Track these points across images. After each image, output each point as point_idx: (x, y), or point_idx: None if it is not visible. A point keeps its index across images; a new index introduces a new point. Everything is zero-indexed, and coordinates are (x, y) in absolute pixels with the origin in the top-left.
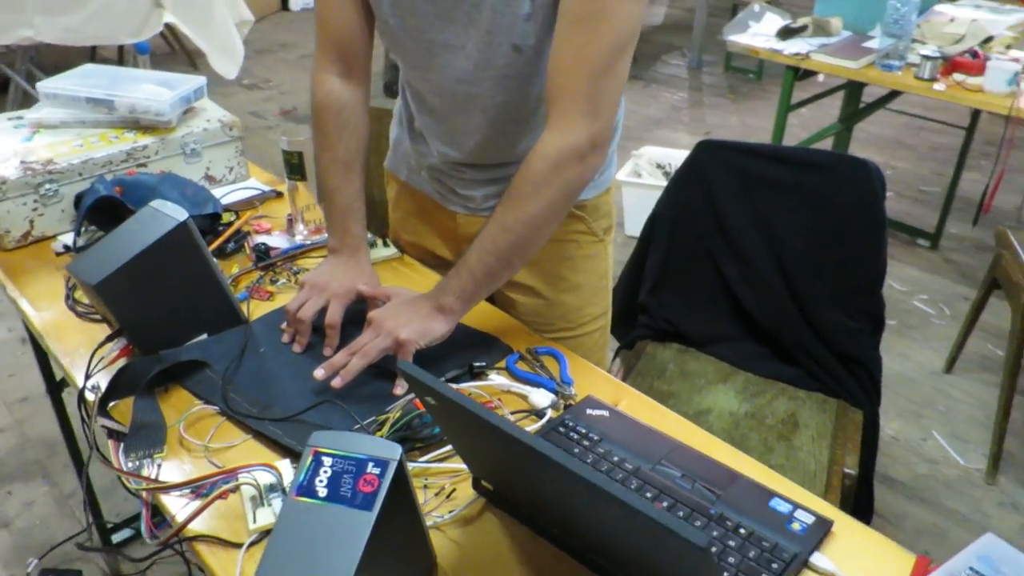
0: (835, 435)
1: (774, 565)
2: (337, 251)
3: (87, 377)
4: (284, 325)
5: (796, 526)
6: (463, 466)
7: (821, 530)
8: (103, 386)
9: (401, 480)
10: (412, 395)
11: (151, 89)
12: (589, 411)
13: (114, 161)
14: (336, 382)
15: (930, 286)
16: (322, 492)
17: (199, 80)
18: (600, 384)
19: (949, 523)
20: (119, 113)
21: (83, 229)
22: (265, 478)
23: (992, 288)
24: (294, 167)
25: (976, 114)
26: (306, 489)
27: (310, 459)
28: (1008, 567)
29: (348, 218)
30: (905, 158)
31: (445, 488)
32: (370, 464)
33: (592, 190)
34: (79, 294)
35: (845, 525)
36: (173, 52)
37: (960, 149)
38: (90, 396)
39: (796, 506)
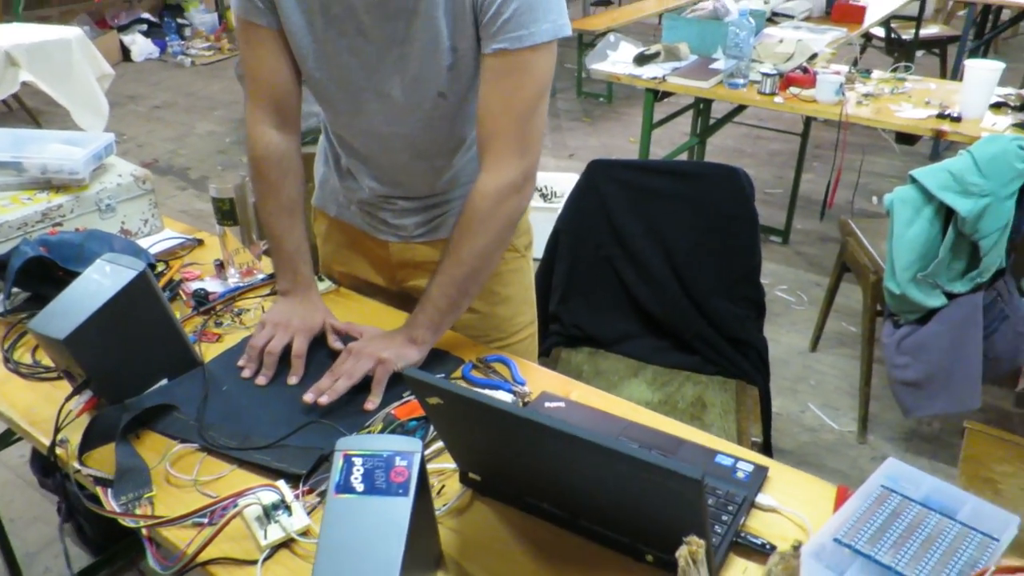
0: (738, 410)
1: (729, 507)
2: (289, 292)
3: (57, 431)
4: (242, 361)
5: (740, 475)
6: (449, 465)
7: (760, 475)
8: (71, 440)
9: (422, 469)
10: (389, 407)
11: (60, 149)
12: (547, 404)
13: (29, 222)
14: (323, 399)
15: (787, 277)
16: (359, 487)
17: (107, 137)
18: (548, 381)
19: (834, 481)
20: (29, 174)
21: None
22: (266, 498)
23: (843, 272)
24: (225, 213)
25: (808, 122)
26: (344, 487)
27: (341, 462)
28: (907, 481)
29: (296, 260)
30: (749, 165)
31: (434, 485)
32: (397, 458)
33: None
34: (19, 354)
35: (778, 470)
36: (11, 111)
37: (798, 154)
38: (60, 450)
39: (736, 459)
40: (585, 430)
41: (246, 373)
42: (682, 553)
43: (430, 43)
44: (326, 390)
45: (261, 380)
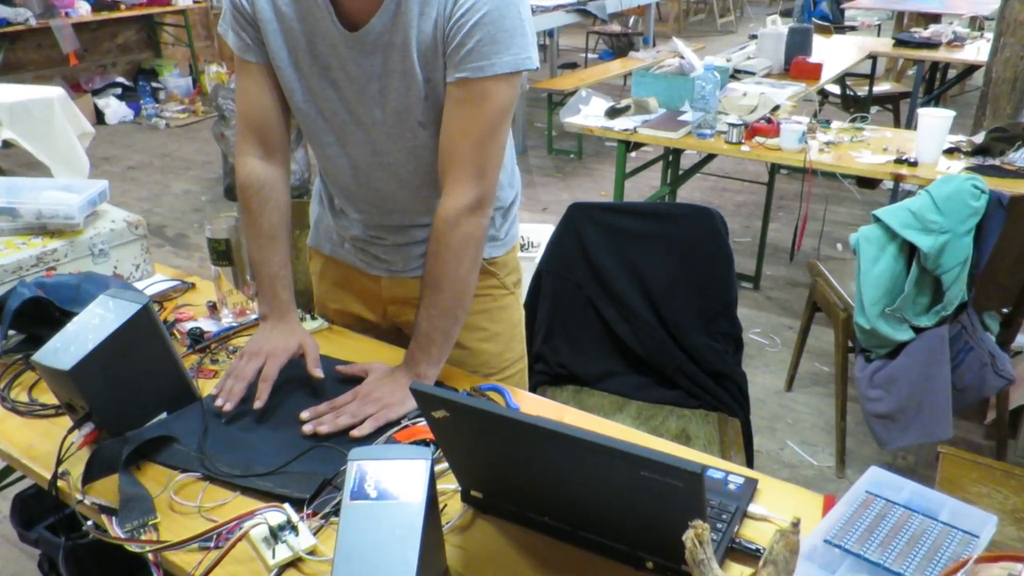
0: (722, 441)
1: (724, 516)
2: (267, 316)
3: (59, 463)
4: (215, 390)
5: (732, 487)
6: (450, 486)
7: (751, 487)
8: (72, 473)
9: (431, 479)
10: (390, 432)
11: (55, 195)
12: None
13: (24, 266)
14: (323, 428)
15: (759, 320)
16: (373, 493)
17: (101, 183)
18: (541, 407)
19: None
20: (24, 220)
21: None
22: (273, 519)
23: (814, 312)
24: (220, 254)
25: (773, 172)
26: (358, 493)
27: (355, 470)
28: (889, 487)
29: (275, 285)
30: None
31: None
32: (408, 464)
33: (500, 248)
34: (15, 393)
35: (766, 482)
36: None
37: (765, 202)
38: (61, 482)
39: (727, 473)
40: (589, 432)
41: (219, 402)
42: (689, 535)
43: (406, 75)
44: (327, 422)
45: (228, 407)
